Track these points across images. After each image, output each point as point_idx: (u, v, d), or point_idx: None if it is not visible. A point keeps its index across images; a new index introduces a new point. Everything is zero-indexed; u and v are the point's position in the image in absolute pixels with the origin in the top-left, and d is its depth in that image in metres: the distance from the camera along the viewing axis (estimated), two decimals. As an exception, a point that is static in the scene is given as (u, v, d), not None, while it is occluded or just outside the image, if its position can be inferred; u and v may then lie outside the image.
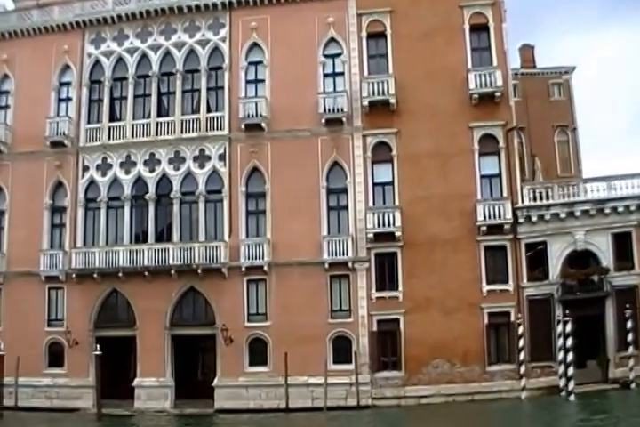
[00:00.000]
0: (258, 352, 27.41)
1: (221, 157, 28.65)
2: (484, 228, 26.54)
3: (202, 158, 28.83)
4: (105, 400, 27.93)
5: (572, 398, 23.78)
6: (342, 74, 28.46)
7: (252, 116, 28.11)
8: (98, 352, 26.07)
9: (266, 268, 27.37)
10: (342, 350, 26.93)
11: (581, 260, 26.70)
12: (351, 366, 26.59)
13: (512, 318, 26.28)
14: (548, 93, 38.57)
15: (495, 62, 27.64)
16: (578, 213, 26.48)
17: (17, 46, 31.17)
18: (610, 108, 64.65)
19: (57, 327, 29.23)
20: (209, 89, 29.26)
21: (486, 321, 26.43)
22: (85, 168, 29.88)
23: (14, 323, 29.34)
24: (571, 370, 23.99)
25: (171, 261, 27.84)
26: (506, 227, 26.48)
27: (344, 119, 27.68)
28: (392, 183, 27.65)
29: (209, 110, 29.17)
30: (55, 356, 29.13)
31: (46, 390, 28.63)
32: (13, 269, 29.89)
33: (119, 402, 27.70)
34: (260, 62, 29.06)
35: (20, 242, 29.88)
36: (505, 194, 26.90)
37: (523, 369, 25.42)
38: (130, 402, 27.94)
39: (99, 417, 26.08)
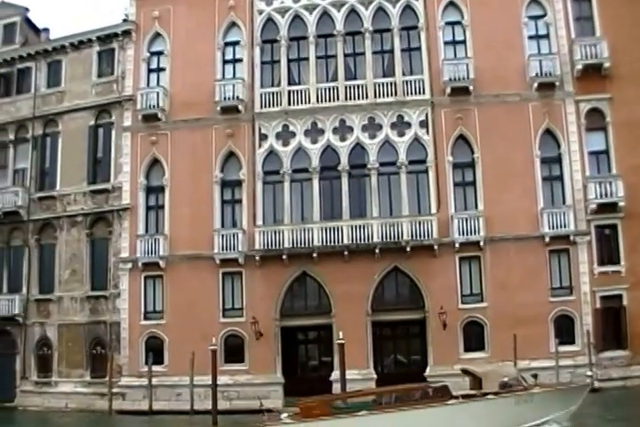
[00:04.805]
0: (473, 336, 25.00)
1: (423, 124, 26.03)
2: None
3: (401, 125, 26.09)
4: (291, 398, 24.84)
5: None
6: (546, 36, 26.58)
7: (458, 79, 25.78)
8: (341, 341, 21.77)
9: (482, 243, 25.11)
10: (563, 331, 24.97)
11: None
12: (574, 347, 24.70)
13: None
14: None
15: (703, 26, 26.76)
16: None
17: (170, 2, 27.64)
18: None
19: (233, 318, 25.73)
20: (402, 50, 26.67)
21: None
22: (263, 137, 26.51)
23: (181, 314, 25.78)
24: None
25: (374, 239, 24.99)
26: None
27: (557, 84, 25.92)
28: (606, 152, 26.06)
29: (403, 73, 26.62)
30: (232, 350, 25.58)
31: (224, 390, 24.83)
32: (178, 253, 26.22)
33: (311, 399, 24.51)
34: (458, 22, 26.67)
35: (184, 221, 26.29)
36: None
37: None
38: (325, 399, 24.76)
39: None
